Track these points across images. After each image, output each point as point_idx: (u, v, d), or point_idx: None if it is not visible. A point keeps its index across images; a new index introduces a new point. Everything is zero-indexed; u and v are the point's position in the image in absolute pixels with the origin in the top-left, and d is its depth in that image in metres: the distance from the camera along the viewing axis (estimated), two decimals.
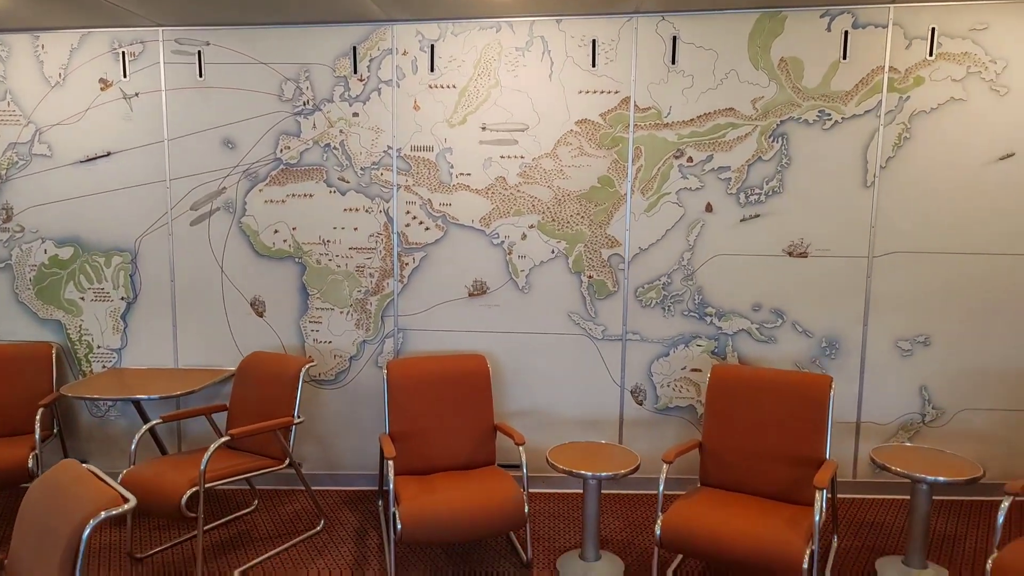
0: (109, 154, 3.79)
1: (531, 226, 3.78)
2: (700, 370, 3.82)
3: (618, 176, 3.73)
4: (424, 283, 3.83)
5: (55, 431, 3.74)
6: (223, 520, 3.56)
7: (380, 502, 3.78)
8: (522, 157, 3.74)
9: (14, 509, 3.69)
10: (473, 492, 2.98)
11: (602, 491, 3.59)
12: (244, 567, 3.07)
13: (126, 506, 1.78)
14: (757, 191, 3.69)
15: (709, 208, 3.72)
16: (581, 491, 3.93)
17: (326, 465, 3.96)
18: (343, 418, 3.92)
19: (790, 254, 3.72)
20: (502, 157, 3.74)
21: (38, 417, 3.43)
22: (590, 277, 3.80)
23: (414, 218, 3.80)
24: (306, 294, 3.85)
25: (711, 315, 3.79)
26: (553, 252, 3.79)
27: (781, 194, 3.68)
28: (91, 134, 3.78)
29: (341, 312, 3.86)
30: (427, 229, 3.81)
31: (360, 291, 3.85)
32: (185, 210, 3.82)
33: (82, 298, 3.88)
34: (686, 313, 3.79)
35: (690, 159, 3.70)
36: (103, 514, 1.74)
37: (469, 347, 3.86)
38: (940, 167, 3.59)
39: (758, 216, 3.71)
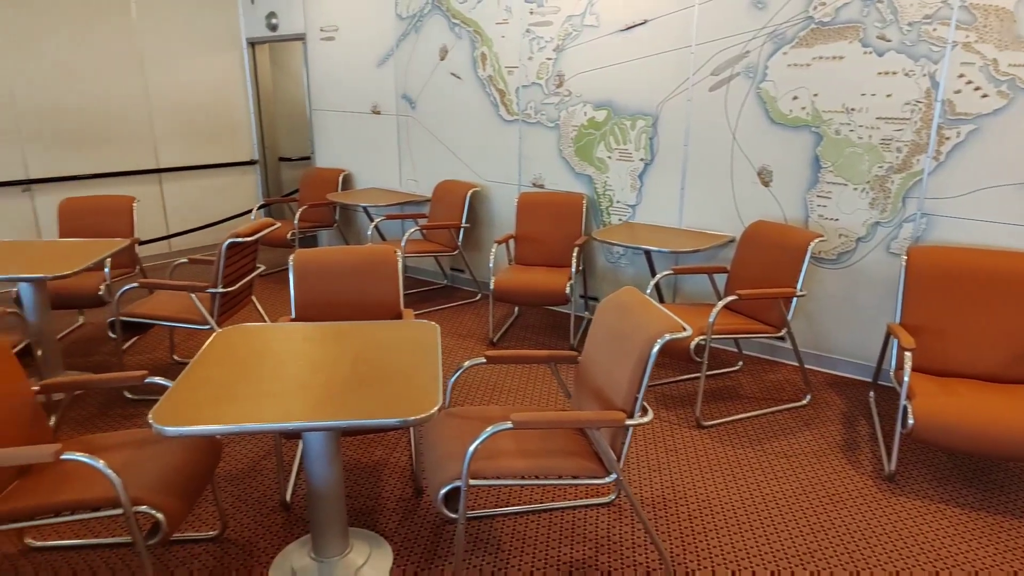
0: (646, 22, 4.08)
1: None
2: None
3: None
4: (968, 162, 3.26)
5: (581, 268, 4.49)
6: (714, 372, 3.86)
7: (872, 393, 3.58)
8: None
9: (549, 322, 4.63)
10: (1006, 407, 2.56)
11: None
12: (724, 419, 3.30)
13: (685, 332, 2.02)
14: None
15: None
16: None
17: (812, 344, 3.89)
18: (839, 300, 3.75)
19: None
20: None
21: (575, 255, 4.15)
22: None
23: (968, 83, 3.19)
24: (818, 166, 3.66)
25: None
26: None
27: None
28: (633, 3, 4.10)
29: (855, 188, 3.58)
30: (984, 96, 3.17)
31: (882, 167, 3.48)
32: (706, 76, 3.93)
33: (609, 157, 4.43)
34: None
35: None
36: (667, 335, 2.01)
37: (1015, 244, 3.21)
38: None
39: None
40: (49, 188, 5.53)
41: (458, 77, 5.05)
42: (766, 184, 3.85)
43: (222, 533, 2.47)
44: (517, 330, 4.54)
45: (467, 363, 2.50)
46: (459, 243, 4.98)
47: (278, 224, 3.66)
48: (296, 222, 5.59)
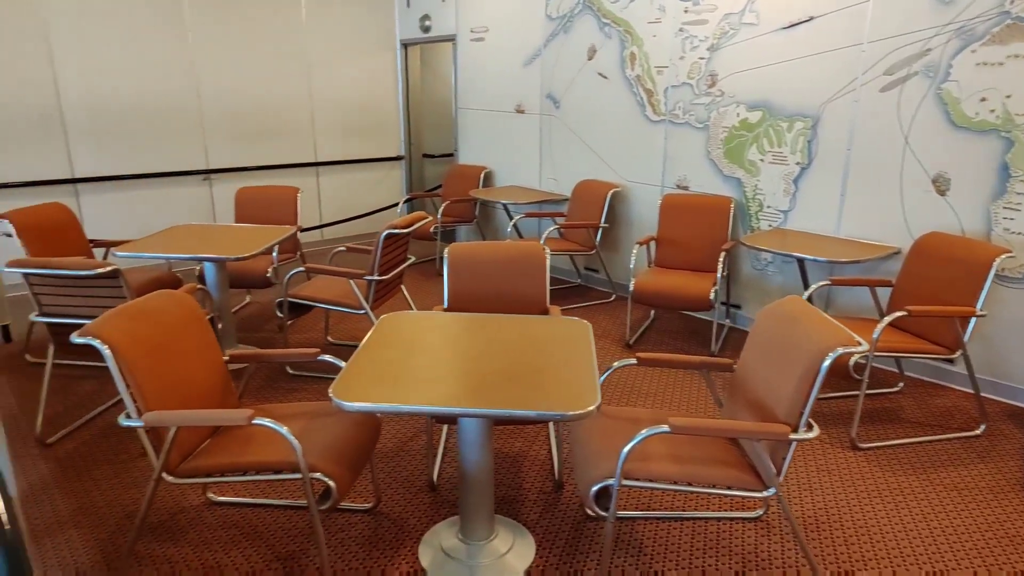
0: (811, 19, 3.88)
1: None
2: None
3: None
4: None
5: (725, 274, 4.35)
6: (871, 391, 3.61)
7: None
8: None
9: (687, 328, 4.52)
10: None
11: None
12: (883, 443, 3.08)
13: (861, 347, 1.91)
14: None
15: None
16: None
17: (988, 369, 3.55)
18: (1022, 323, 3.39)
19: None
20: None
21: (721, 259, 4.02)
22: None
23: None
24: (1007, 175, 3.33)
25: None
26: None
27: None
28: (798, 0, 3.91)
29: None
30: None
31: None
32: (877, 75, 3.68)
33: (761, 160, 4.25)
34: None
35: None
36: (840, 349, 1.91)
37: None
38: None
39: None
40: (223, 177, 6.09)
41: (605, 77, 5.04)
42: (941, 193, 3.55)
43: (375, 506, 2.62)
44: (653, 334, 4.47)
45: (616, 363, 2.49)
46: (597, 243, 4.98)
47: (430, 217, 3.82)
48: (439, 216, 5.81)
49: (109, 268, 2.88)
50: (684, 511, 2.59)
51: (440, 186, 6.55)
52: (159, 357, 2.14)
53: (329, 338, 4.34)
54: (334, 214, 6.90)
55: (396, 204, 7.24)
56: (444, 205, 5.93)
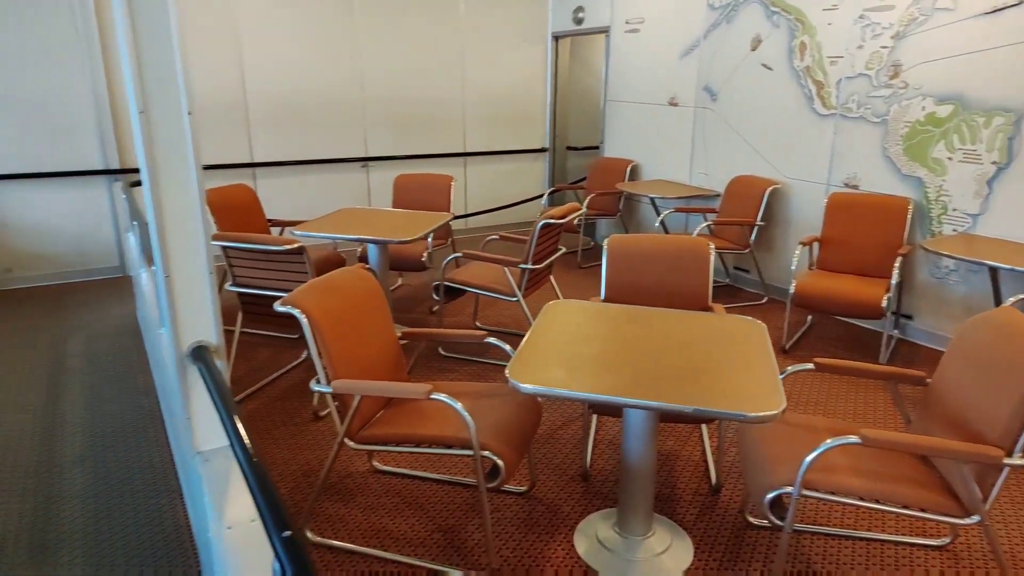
0: (1021, 3, 3.48)
1: None
2: None
3: None
4: None
5: (897, 281, 4.01)
6: None
7: None
8: None
9: (849, 336, 4.23)
10: None
11: None
12: None
13: None
14: None
15: None
16: None
17: None
18: None
19: None
20: None
21: (896, 265, 3.72)
22: None
23: None
24: None
25: None
26: None
27: None
28: None
29: None
30: None
31: None
32: None
33: (949, 158, 3.88)
34: None
35: None
36: None
37: None
38: None
39: None
40: (378, 165, 6.41)
41: (769, 68, 4.80)
42: None
43: (530, 489, 2.66)
44: (811, 340, 4.22)
45: (791, 368, 2.37)
46: (751, 241, 4.77)
47: (584, 209, 3.82)
48: (585, 209, 5.80)
49: (296, 245, 3.12)
50: (855, 529, 2.43)
51: (584, 179, 6.53)
52: (344, 329, 2.28)
53: (477, 323, 4.46)
54: (478, 203, 7.08)
55: (540, 196, 7.31)
56: (589, 198, 5.91)
